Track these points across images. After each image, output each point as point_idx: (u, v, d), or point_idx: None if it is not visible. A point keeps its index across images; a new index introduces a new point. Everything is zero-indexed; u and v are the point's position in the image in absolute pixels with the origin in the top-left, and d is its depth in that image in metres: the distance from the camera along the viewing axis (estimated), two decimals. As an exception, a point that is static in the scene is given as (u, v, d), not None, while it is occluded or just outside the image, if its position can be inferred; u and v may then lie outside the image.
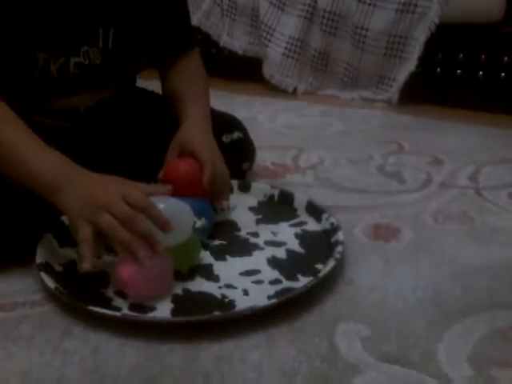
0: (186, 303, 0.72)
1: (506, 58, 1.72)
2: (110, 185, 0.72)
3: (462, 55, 1.80)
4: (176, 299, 0.72)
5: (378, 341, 0.66)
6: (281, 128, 1.62)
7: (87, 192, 0.70)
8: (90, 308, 0.67)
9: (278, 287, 0.75)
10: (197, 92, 1.01)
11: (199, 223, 0.81)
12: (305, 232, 0.91)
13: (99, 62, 0.90)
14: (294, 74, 2.06)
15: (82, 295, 0.71)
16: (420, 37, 1.82)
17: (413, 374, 0.60)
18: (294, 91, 2.04)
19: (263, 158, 1.26)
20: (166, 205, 0.72)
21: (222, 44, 2.14)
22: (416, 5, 1.81)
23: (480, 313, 0.71)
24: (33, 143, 0.74)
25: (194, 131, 0.92)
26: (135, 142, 1.00)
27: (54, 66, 0.85)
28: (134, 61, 0.98)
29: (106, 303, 0.70)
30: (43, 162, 0.73)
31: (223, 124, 1.04)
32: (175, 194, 0.88)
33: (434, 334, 0.67)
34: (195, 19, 2.09)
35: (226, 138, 1.02)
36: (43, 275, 0.73)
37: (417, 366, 0.61)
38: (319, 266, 0.79)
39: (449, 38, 1.81)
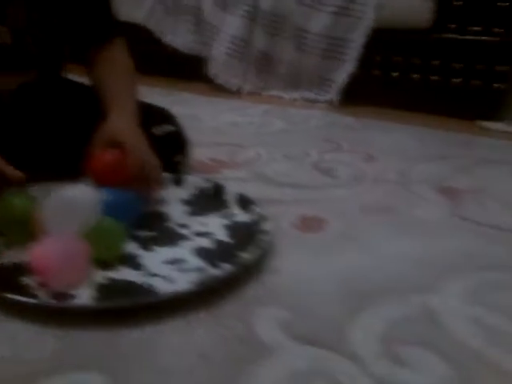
0: (108, 291, 0.71)
1: (436, 62, 1.79)
2: None
3: (397, 58, 1.87)
4: (98, 288, 0.72)
5: (296, 323, 0.68)
6: (222, 126, 1.63)
7: None
8: (7, 295, 0.66)
9: (201, 275, 0.76)
10: (123, 82, 1.00)
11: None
12: (234, 223, 0.92)
13: (10, 43, 0.87)
14: (238, 74, 2.08)
15: (1, 284, 0.69)
16: (357, 39, 1.88)
17: (324, 354, 0.62)
18: (238, 91, 2.06)
19: (201, 153, 1.26)
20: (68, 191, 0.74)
21: (165, 41, 2.14)
22: (352, 9, 1.86)
23: (396, 296, 0.75)
24: None
25: (120, 121, 0.92)
26: (57, 130, 0.99)
27: None
28: (55, 46, 0.96)
29: (25, 292, 0.69)
30: None
31: (154, 116, 1.04)
32: (100, 183, 0.88)
33: (349, 316, 0.69)
34: (138, 16, 2.08)
35: (156, 130, 1.02)
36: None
37: (329, 346, 0.64)
38: (244, 255, 0.80)
39: (385, 42, 1.88)
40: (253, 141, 1.46)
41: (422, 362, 0.62)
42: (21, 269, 0.73)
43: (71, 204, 0.75)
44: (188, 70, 2.11)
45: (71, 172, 0.95)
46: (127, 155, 0.86)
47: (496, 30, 1.72)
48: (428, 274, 0.80)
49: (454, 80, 1.79)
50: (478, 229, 0.96)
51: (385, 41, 1.88)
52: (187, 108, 1.67)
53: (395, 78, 1.90)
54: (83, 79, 1.08)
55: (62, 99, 1.03)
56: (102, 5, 1.03)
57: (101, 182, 0.88)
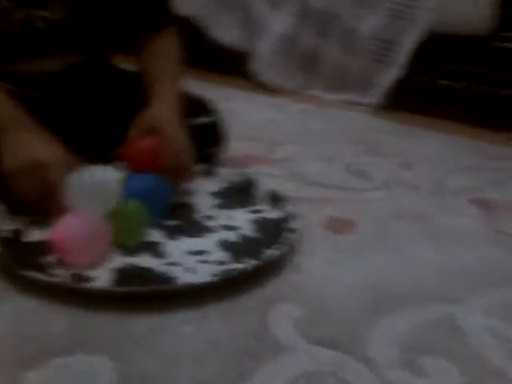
0: (127, 276, 0.72)
1: (492, 72, 1.73)
2: (49, 146, 0.77)
3: (447, 65, 1.82)
4: (117, 272, 0.73)
5: (312, 324, 0.66)
6: (260, 122, 1.62)
7: (27, 144, 0.76)
8: (28, 273, 0.67)
9: (222, 268, 0.75)
10: (169, 71, 1.00)
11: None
12: (261, 219, 0.91)
13: (63, 19, 0.88)
14: (281, 72, 2.07)
15: (22, 261, 0.71)
16: (408, 44, 1.83)
17: (339, 356, 0.61)
18: (279, 89, 2.05)
19: (237, 148, 1.26)
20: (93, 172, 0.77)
21: (211, 36, 2.15)
22: (408, 12, 1.82)
23: (419, 303, 0.72)
24: None
25: (162, 109, 0.92)
26: (100, 115, 1.00)
27: (17, 17, 0.84)
28: (105, 30, 0.96)
29: (45, 270, 0.70)
30: None
31: (195, 106, 1.04)
32: (135, 168, 0.89)
33: (368, 319, 0.68)
34: (186, 9, 2.10)
35: (195, 121, 1.02)
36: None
37: (344, 348, 0.62)
38: (268, 252, 0.80)
39: (437, 48, 1.82)
40: (289, 138, 1.45)
41: (440, 372, 0.60)
42: (43, 247, 0.74)
43: (95, 184, 0.76)
44: (231, 65, 2.11)
45: (108, 155, 0.97)
46: (164, 144, 0.86)
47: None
48: (454, 285, 0.78)
49: (505, 91, 1.72)
50: (510, 242, 0.93)
51: (436, 47, 1.82)
52: (226, 102, 1.67)
53: (442, 86, 1.85)
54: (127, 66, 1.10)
55: (107, 83, 1.03)
56: None
57: (134, 167, 0.89)
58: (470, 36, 1.77)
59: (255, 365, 0.58)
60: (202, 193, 0.98)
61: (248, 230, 0.88)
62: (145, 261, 0.76)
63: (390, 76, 1.88)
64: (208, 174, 1.03)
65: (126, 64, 1.11)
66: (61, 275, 0.70)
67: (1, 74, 0.86)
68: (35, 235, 0.79)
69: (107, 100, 1.02)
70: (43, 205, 0.76)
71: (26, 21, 0.85)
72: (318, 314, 0.68)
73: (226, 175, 1.04)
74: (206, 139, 1.05)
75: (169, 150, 0.86)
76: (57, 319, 0.63)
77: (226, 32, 2.16)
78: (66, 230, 0.70)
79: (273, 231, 0.87)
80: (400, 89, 1.85)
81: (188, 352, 0.60)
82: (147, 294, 0.68)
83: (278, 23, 2.06)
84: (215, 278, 0.71)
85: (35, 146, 0.77)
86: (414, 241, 0.91)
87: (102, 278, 0.71)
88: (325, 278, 0.78)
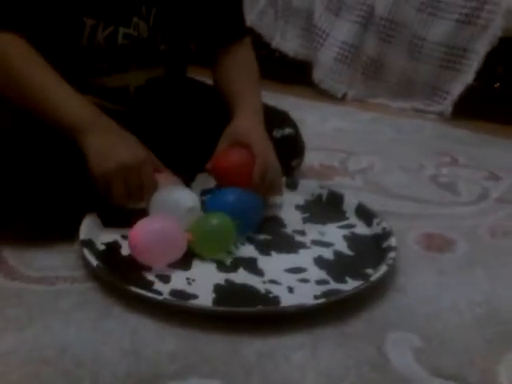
0: (229, 294, 0.69)
1: None
2: (133, 147, 0.78)
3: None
4: (218, 289, 0.69)
5: (432, 354, 0.61)
6: (329, 131, 1.58)
7: (111, 146, 0.77)
8: (131, 288, 0.65)
9: (325, 288, 0.71)
10: (250, 83, 0.98)
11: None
12: (354, 235, 0.87)
13: (146, 36, 0.88)
14: (344, 80, 2.02)
15: (123, 276, 0.68)
16: (480, 49, 1.76)
17: (469, 392, 0.56)
18: (343, 97, 2.00)
19: (311, 158, 1.21)
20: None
21: (273, 45, 2.12)
22: (478, 16, 1.74)
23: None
24: (64, 87, 0.78)
25: (248, 122, 0.90)
26: (182, 129, 0.98)
27: (102, 35, 0.84)
28: (183, 43, 0.95)
29: (147, 286, 0.68)
30: (73, 103, 0.78)
31: (275, 119, 1.01)
32: (224, 183, 0.86)
33: (493, 353, 0.62)
34: (249, 20, 2.07)
35: (276, 133, 0.99)
36: (86, 252, 0.72)
37: (473, 382, 0.57)
38: (369, 271, 0.75)
39: (510, 52, 1.74)
40: (363, 148, 1.39)
41: None
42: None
43: (172, 206, 0.77)
44: (294, 74, 2.07)
45: (192, 171, 0.95)
46: (254, 158, 0.83)
47: None
48: None
49: None
50: None
51: (507, 51, 1.74)
52: (292, 112, 1.64)
53: None
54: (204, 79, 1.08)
55: (187, 96, 1.02)
56: (233, 4, 1.01)
57: (223, 181, 0.86)
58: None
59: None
60: (289, 206, 0.94)
61: (342, 246, 0.83)
62: (243, 278, 0.73)
63: (461, 83, 1.80)
64: (291, 186, 0.99)
65: (202, 77, 1.09)
66: (165, 292, 0.67)
67: (87, 88, 0.86)
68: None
69: (188, 113, 1.01)
70: (131, 207, 0.78)
71: (110, 38, 0.84)
72: (438, 344, 0.63)
73: (308, 188, 1.00)
74: (288, 151, 1.02)
75: (259, 164, 0.83)
76: (163, 338, 0.60)
77: (288, 41, 2.12)
78: (139, 229, 0.71)
79: (368, 249, 0.82)
80: (468, 96, 1.78)
81: (301, 381, 0.56)
82: (255, 314, 0.65)
83: (341, 31, 2.01)
84: (325, 300, 0.66)
85: (121, 149, 0.77)
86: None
87: (202, 295, 0.67)
88: (431, 299, 0.72)
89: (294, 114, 1.10)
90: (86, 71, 0.88)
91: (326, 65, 2.03)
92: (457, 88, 1.81)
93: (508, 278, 0.80)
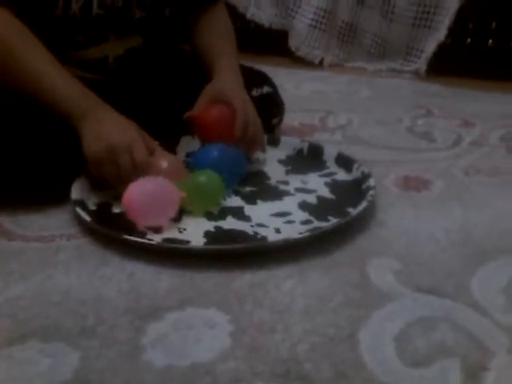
0: (219, 238, 0.73)
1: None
2: (125, 131, 0.78)
3: (494, 24, 1.77)
4: (208, 235, 0.73)
5: (411, 274, 0.66)
6: (307, 94, 1.61)
7: (104, 131, 0.77)
8: (127, 237, 0.68)
9: (310, 226, 0.75)
10: (226, 45, 1.01)
11: None
12: (335, 181, 0.91)
13: (121, 5, 0.90)
14: (320, 46, 2.04)
15: (117, 229, 0.72)
16: (451, 6, 1.79)
17: (447, 303, 0.60)
18: (321, 63, 2.03)
19: (290, 119, 1.25)
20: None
21: (249, 16, 2.13)
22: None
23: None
24: (60, 72, 0.79)
25: (227, 81, 0.93)
26: (163, 94, 1.01)
27: (77, 5, 0.85)
28: (158, 10, 0.97)
29: (140, 236, 0.71)
30: (69, 90, 0.78)
31: (253, 78, 1.04)
32: (207, 138, 0.90)
33: (468, 269, 0.67)
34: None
35: (255, 92, 1.02)
36: (79, 210, 0.75)
37: (451, 296, 0.61)
38: (350, 209, 0.79)
39: (481, 7, 1.78)
40: (341, 107, 1.43)
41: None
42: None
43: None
44: (271, 45, 2.09)
45: (176, 135, 0.98)
46: (235, 114, 0.86)
47: None
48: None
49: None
50: None
51: (479, 6, 1.77)
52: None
53: (489, 47, 1.80)
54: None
55: (166, 64, 1.04)
56: None
57: (206, 136, 0.89)
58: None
59: (366, 313, 0.58)
60: (271, 161, 0.97)
61: (324, 191, 0.87)
62: (232, 224, 0.76)
63: (434, 41, 1.84)
64: (273, 143, 1.02)
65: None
66: (155, 239, 0.71)
67: (66, 60, 0.87)
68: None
69: (167, 78, 1.03)
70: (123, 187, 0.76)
71: (85, 8, 0.86)
72: (417, 266, 0.68)
73: (289, 143, 1.03)
74: (268, 109, 1.05)
75: (240, 121, 0.86)
76: (162, 278, 0.64)
77: (262, 11, 2.14)
78: (133, 191, 0.72)
79: (349, 192, 0.86)
80: (443, 53, 1.82)
81: (295, 305, 0.60)
82: (243, 250, 0.69)
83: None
84: (309, 233, 0.71)
85: (112, 131, 0.77)
86: (492, 194, 0.90)
87: (193, 240, 0.71)
88: (413, 232, 0.77)
89: (274, 80, 1.14)
90: (64, 45, 0.89)
91: (301, 32, 2.05)
92: (430, 46, 1.84)
93: (481, 208, 0.84)
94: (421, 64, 1.86)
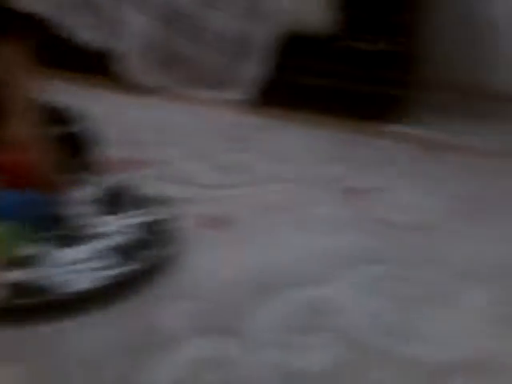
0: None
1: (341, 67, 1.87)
2: None
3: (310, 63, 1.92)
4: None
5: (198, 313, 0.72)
6: (132, 124, 1.62)
7: None
8: None
9: (105, 273, 0.77)
10: (21, 81, 0.97)
11: None
12: (141, 222, 0.93)
13: None
14: (143, 71, 2.06)
15: None
16: (261, 41, 1.92)
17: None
18: (145, 88, 2.04)
19: (112, 153, 1.25)
20: None
21: (67, 35, 2.07)
22: (258, 12, 1.91)
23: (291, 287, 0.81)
24: None
25: (18, 123, 0.90)
26: None
27: None
28: None
29: None
30: None
31: (57, 115, 1.02)
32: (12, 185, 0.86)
33: (250, 304, 0.75)
34: (39, 8, 2.00)
35: (59, 130, 1.00)
36: None
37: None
38: (146, 253, 0.82)
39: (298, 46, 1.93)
40: (160, 139, 1.46)
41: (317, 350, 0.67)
42: None
43: None
44: (93, 65, 2.05)
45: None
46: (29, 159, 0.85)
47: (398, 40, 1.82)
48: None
49: (362, 87, 1.88)
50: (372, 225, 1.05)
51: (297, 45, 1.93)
52: (91, 104, 1.64)
53: (306, 84, 1.95)
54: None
55: None
56: None
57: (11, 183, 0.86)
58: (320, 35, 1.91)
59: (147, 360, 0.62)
60: (79, 202, 0.97)
61: (129, 233, 0.89)
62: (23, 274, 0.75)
63: (249, 73, 1.96)
64: (85, 182, 1.02)
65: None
66: None
67: None
68: None
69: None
70: None
71: None
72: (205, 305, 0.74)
73: (97, 182, 1.03)
74: (76, 146, 1.04)
75: (33, 161, 0.85)
76: None
77: (82, 31, 2.09)
78: None
79: (152, 233, 0.90)
80: (270, 86, 1.94)
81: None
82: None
83: (132, 21, 2.04)
84: (97, 284, 0.73)
85: None
86: (285, 231, 0.99)
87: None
88: (208, 272, 0.83)
89: (93, 107, 1.13)
90: None
91: (122, 56, 2.04)
92: (246, 77, 1.95)
93: (276, 244, 0.95)
94: (241, 95, 1.96)
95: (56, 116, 1.00)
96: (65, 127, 1.02)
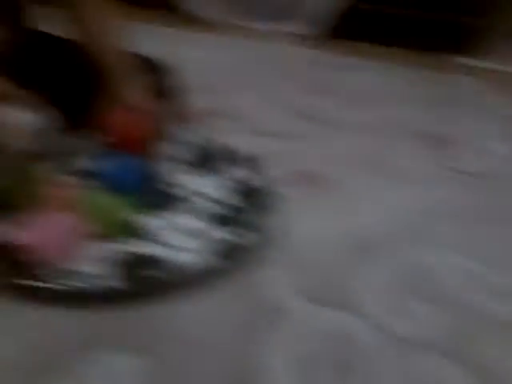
0: (131, 267, 0.74)
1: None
2: None
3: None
4: (120, 264, 0.74)
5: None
6: (202, 66, 1.59)
7: None
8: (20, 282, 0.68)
9: (220, 243, 0.78)
10: (115, 40, 0.92)
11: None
12: (237, 184, 0.93)
13: None
14: (206, 4, 2.00)
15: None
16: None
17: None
18: (212, 23, 1.99)
19: (190, 101, 1.23)
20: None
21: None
22: None
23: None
24: None
25: (124, 85, 0.89)
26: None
27: None
28: None
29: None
30: None
31: (148, 66, 0.98)
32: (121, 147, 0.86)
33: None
34: None
35: (152, 81, 0.99)
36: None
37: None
38: (255, 219, 0.83)
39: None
40: (235, 85, 1.42)
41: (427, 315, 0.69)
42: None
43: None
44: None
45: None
46: (138, 122, 0.85)
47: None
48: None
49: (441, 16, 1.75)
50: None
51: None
52: (160, 45, 1.60)
53: (386, 14, 1.84)
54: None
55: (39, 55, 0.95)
56: None
57: (121, 146, 0.86)
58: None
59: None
60: (168, 160, 0.96)
61: (225, 197, 0.89)
62: (140, 247, 0.77)
63: (319, 3, 1.87)
64: (175, 137, 1.01)
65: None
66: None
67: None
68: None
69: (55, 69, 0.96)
70: None
71: None
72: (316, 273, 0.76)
73: (185, 137, 1.02)
74: (165, 98, 1.02)
75: (146, 126, 0.86)
76: (69, 323, 0.66)
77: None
78: (40, 233, 0.70)
79: (252, 196, 0.89)
80: (344, 18, 1.84)
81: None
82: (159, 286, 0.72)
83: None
84: (222, 260, 0.75)
85: None
86: (373, 186, 0.99)
87: (107, 273, 0.72)
88: (311, 237, 0.83)
89: (168, 49, 1.09)
90: None
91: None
92: (322, 9, 1.86)
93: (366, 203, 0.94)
94: (316, 28, 1.88)
95: (147, 66, 0.97)
96: (155, 77, 0.99)
